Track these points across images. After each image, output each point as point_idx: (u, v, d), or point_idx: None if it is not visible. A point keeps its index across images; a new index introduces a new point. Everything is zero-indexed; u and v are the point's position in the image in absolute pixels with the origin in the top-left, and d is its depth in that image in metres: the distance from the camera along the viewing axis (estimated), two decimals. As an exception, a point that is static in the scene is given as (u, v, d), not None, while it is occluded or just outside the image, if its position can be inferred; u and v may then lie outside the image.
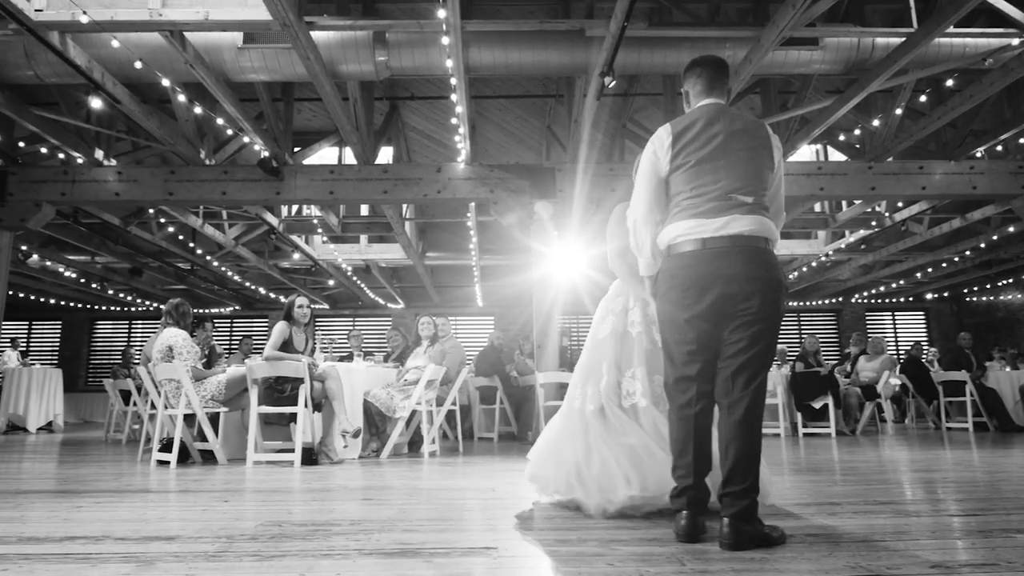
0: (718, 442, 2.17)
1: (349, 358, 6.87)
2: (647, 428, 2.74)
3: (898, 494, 3.14)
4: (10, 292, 13.38)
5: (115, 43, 5.25)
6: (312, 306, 5.46)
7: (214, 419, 5.18)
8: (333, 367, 5.20)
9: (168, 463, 4.78)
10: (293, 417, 5.01)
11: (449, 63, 5.46)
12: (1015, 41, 5.68)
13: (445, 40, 5.18)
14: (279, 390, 5.02)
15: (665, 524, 2.43)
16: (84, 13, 4.73)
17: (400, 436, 5.67)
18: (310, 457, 4.80)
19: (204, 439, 5.01)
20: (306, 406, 4.84)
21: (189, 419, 5.08)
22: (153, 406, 5.52)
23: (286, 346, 5.15)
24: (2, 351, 11.30)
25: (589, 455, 2.70)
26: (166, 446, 4.95)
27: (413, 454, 5.82)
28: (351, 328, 15.45)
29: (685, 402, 2.22)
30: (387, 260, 12.49)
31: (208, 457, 5.11)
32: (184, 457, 4.98)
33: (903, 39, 5.72)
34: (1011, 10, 5.30)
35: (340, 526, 2.46)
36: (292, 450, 4.79)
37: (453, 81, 5.80)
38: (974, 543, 2.05)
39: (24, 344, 16.03)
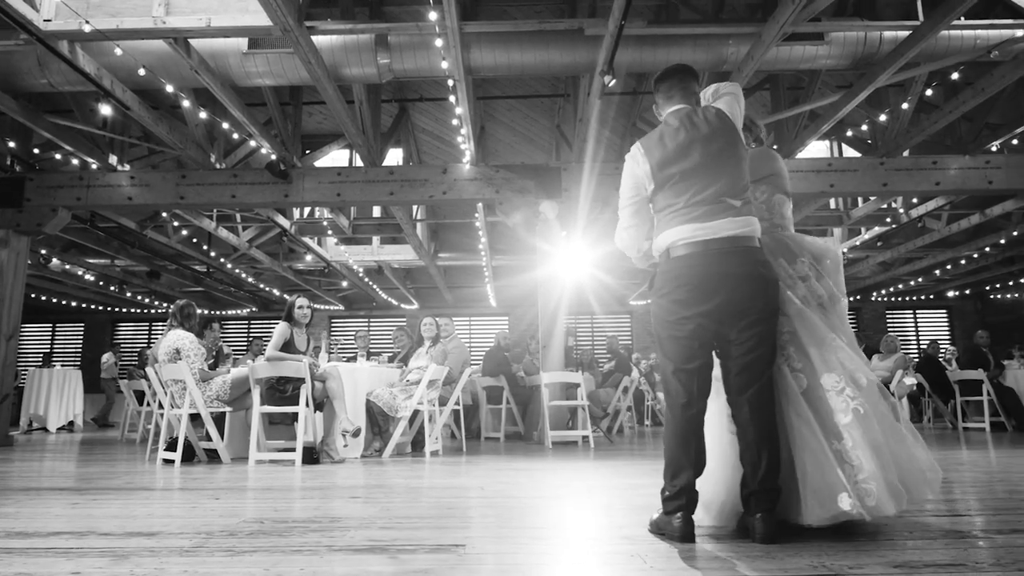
0: (740, 442, 2.21)
1: (355, 359, 6.93)
2: None
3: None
4: (33, 295, 13.73)
5: (118, 51, 5.36)
6: (313, 306, 5.52)
7: (220, 419, 5.27)
8: (335, 367, 5.25)
9: (173, 462, 4.88)
10: (296, 416, 5.08)
11: (445, 64, 5.49)
12: (1019, 32, 5.55)
13: (438, 42, 5.21)
14: (281, 390, 5.09)
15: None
16: (87, 22, 4.84)
17: (403, 436, 5.72)
18: (311, 456, 4.86)
19: (210, 438, 5.10)
20: (307, 406, 4.90)
21: (197, 419, 5.18)
22: (161, 406, 5.62)
23: (288, 346, 5.22)
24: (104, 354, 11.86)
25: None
26: (171, 445, 5.05)
27: (416, 454, 5.86)
28: (358, 329, 15.56)
29: (686, 401, 2.22)
30: (399, 261, 12.57)
31: (213, 456, 5.19)
32: (190, 456, 5.08)
33: (909, 32, 5.62)
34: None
35: (319, 523, 2.49)
36: (295, 449, 4.85)
37: (451, 82, 5.83)
38: (948, 544, 2.01)
39: (48, 346, 16.43)
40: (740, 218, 2.23)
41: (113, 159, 7.81)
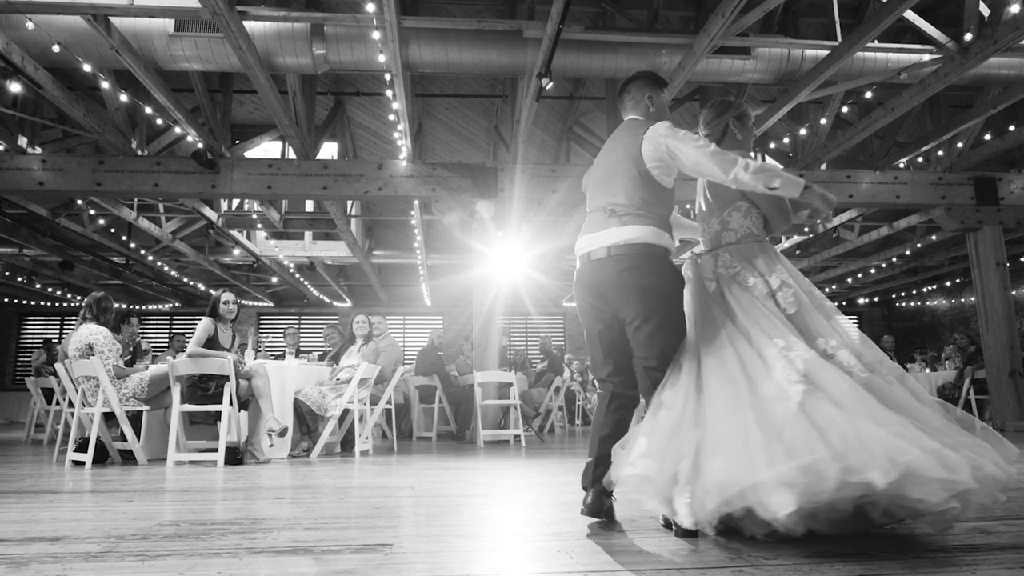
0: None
1: (283, 357, 6.75)
2: None
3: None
4: (-73, 285, 12.69)
5: (30, 25, 5.03)
6: (239, 302, 5.34)
7: (136, 418, 5.02)
8: (261, 364, 5.10)
9: (84, 463, 4.61)
10: (219, 416, 4.89)
11: (382, 58, 5.42)
12: (926, 57, 5.96)
13: (376, 35, 5.14)
14: (203, 388, 4.89)
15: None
16: (-5, -7, 4.53)
17: (332, 435, 5.60)
18: (235, 457, 4.70)
19: (125, 439, 4.85)
20: (231, 404, 4.73)
21: (112, 418, 4.91)
22: (71, 404, 5.31)
23: (211, 343, 5.03)
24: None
25: None
26: (82, 446, 4.77)
27: (346, 453, 5.75)
28: (288, 327, 15.17)
29: (604, 400, 2.33)
30: (332, 258, 12.30)
31: (128, 457, 4.94)
32: (103, 457, 4.82)
33: (828, 51, 5.94)
34: (926, 27, 5.56)
35: (240, 525, 2.42)
36: (217, 449, 4.68)
37: (388, 77, 5.75)
38: (854, 538, 2.14)
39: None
40: (623, 228, 2.27)
41: (23, 141, 7.32)
